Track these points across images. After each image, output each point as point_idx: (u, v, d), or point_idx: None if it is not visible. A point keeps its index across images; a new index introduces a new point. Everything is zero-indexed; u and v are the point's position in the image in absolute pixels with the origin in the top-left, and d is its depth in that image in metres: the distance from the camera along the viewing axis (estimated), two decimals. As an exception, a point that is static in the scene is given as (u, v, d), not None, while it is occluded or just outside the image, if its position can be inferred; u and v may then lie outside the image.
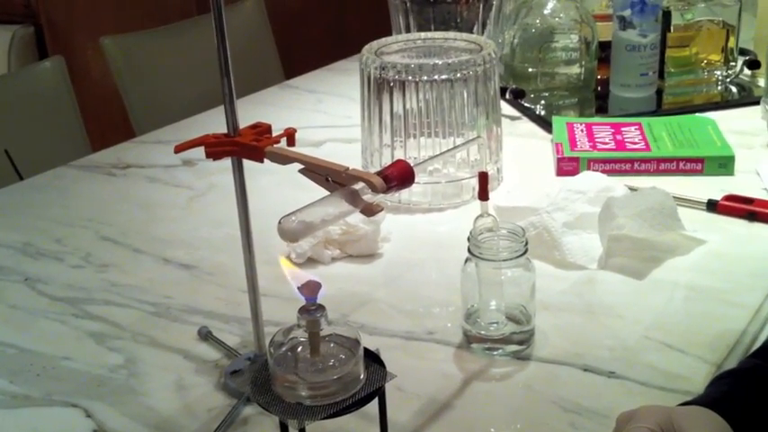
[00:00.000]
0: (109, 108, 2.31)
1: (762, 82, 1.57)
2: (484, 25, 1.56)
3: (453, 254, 0.93)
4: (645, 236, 1.05)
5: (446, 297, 0.98)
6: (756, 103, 1.47)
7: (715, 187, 1.18)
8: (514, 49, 1.61)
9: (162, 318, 0.99)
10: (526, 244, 0.85)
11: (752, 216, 1.11)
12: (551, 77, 1.60)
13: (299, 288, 0.67)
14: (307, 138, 1.47)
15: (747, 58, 1.62)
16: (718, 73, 1.61)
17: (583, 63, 1.59)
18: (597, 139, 1.32)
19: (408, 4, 1.53)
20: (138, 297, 1.03)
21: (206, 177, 1.35)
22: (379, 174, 0.70)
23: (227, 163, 0.80)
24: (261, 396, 0.68)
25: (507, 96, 1.57)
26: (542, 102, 1.58)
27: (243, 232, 0.81)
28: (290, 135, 0.77)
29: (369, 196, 0.71)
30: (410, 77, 1.17)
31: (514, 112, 1.54)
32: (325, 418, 0.65)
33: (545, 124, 1.46)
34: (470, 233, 0.86)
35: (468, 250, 0.86)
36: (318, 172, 0.71)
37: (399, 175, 0.71)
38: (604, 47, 1.59)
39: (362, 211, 0.70)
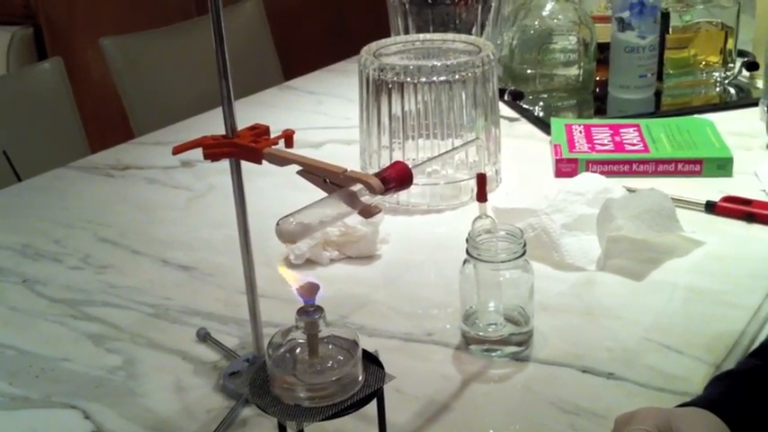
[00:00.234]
0: (108, 109, 2.31)
1: (760, 83, 1.57)
2: (482, 27, 1.56)
3: (452, 255, 0.93)
4: (643, 237, 1.05)
5: (445, 298, 0.98)
6: (755, 104, 1.47)
7: (713, 189, 1.18)
8: (513, 50, 1.61)
9: (161, 319, 0.99)
10: (524, 245, 0.85)
11: (750, 217, 1.11)
12: (550, 79, 1.60)
13: (297, 290, 0.67)
14: (306, 139, 1.47)
15: (746, 59, 1.62)
16: (717, 74, 1.61)
17: (581, 64, 1.59)
18: (596, 141, 1.32)
19: (407, 6, 1.53)
20: (136, 298, 1.03)
21: (205, 179, 1.35)
22: (377, 175, 0.70)
23: (225, 164, 0.80)
24: (259, 398, 0.68)
25: (506, 98, 1.57)
26: (541, 103, 1.58)
27: (241, 233, 0.81)
28: (288, 136, 0.77)
29: (367, 198, 0.71)
30: (409, 79, 1.17)
31: (513, 114, 1.54)
32: (323, 420, 0.65)
33: (543, 126, 1.46)
34: (469, 235, 0.86)
35: (467, 252, 0.86)
36: (316, 173, 0.71)
37: (397, 177, 0.71)
38: (603, 48, 1.59)
39: (361, 213, 0.70)
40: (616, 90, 1.57)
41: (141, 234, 1.19)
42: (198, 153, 0.77)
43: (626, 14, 1.50)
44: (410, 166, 0.73)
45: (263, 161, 0.76)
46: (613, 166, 1.26)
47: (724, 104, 1.54)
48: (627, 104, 1.55)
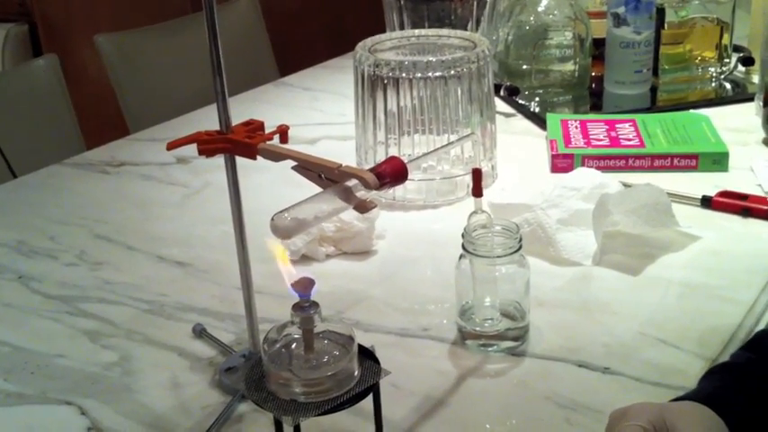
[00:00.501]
0: (104, 106, 2.31)
1: (756, 79, 1.57)
2: (478, 22, 1.56)
3: (448, 251, 0.93)
4: (639, 232, 1.05)
5: (441, 294, 0.98)
6: (750, 99, 1.47)
7: (709, 183, 1.18)
8: (509, 46, 1.61)
9: (156, 315, 0.98)
10: (520, 240, 0.85)
11: (746, 212, 1.11)
12: (546, 75, 1.60)
13: (292, 285, 0.66)
14: (301, 135, 1.47)
15: (741, 54, 1.63)
16: (713, 70, 1.61)
17: (577, 60, 1.59)
18: (591, 136, 1.32)
19: (402, 2, 1.53)
20: (132, 295, 1.03)
21: (200, 175, 1.34)
22: (372, 170, 0.70)
23: (221, 160, 0.80)
24: (255, 393, 0.67)
25: (502, 93, 1.57)
26: (537, 99, 1.58)
27: (236, 229, 0.81)
28: (282, 132, 0.76)
29: (362, 193, 0.71)
30: (404, 75, 1.17)
31: (509, 110, 1.54)
32: (319, 415, 0.65)
33: (539, 121, 1.46)
34: (464, 230, 0.86)
35: (463, 247, 0.86)
36: (311, 169, 0.71)
37: (392, 172, 0.71)
38: (599, 44, 1.59)
39: (356, 208, 0.70)
40: (612, 85, 1.57)
41: (137, 230, 1.19)
42: (193, 149, 0.77)
43: (621, 10, 1.50)
44: (405, 162, 0.72)
45: (258, 157, 0.75)
46: (609, 162, 1.26)
47: (720, 100, 1.54)
48: (622, 100, 1.55)
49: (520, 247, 0.85)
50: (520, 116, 1.52)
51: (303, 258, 1.07)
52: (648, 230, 1.05)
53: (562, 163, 1.27)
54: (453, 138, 1.19)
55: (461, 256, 0.87)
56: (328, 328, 0.69)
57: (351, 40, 1.27)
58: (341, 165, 0.71)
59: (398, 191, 1.21)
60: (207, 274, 1.07)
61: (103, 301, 1.02)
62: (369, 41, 1.25)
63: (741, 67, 1.62)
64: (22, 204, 1.31)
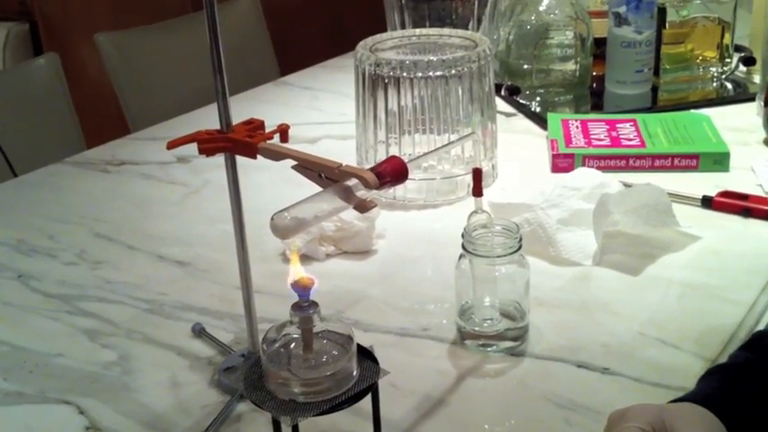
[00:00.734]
0: (105, 105, 2.31)
1: (757, 78, 1.57)
2: (479, 22, 1.56)
3: (448, 250, 0.93)
4: (640, 232, 1.05)
5: (441, 294, 0.97)
6: (752, 99, 1.47)
7: (710, 183, 1.18)
8: (510, 45, 1.60)
9: (156, 315, 0.98)
10: (520, 240, 0.85)
11: (747, 212, 1.11)
12: (546, 74, 1.60)
13: (291, 284, 0.66)
14: (302, 135, 1.47)
15: (743, 54, 1.62)
16: (714, 70, 1.61)
17: (578, 60, 1.59)
18: (592, 136, 1.32)
19: (403, 1, 1.52)
20: (131, 294, 1.03)
21: (201, 174, 1.34)
22: (372, 170, 0.70)
23: (221, 160, 0.80)
24: (254, 393, 0.67)
25: (502, 93, 1.57)
26: (537, 98, 1.58)
27: (236, 229, 0.81)
28: (283, 131, 0.76)
29: (362, 192, 0.71)
30: (405, 74, 1.17)
31: (510, 109, 1.54)
32: (317, 415, 0.65)
33: (540, 121, 1.46)
34: (464, 229, 0.86)
35: (463, 247, 0.86)
36: (312, 168, 0.71)
37: (392, 172, 0.70)
38: (600, 43, 1.59)
39: (356, 208, 0.70)
40: (613, 85, 1.57)
41: (136, 229, 1.19)
42: (194, 148, 0.77)
43: (622, 9, 1.49)
44: (405, 161, 0.72)
45: (258, 156, 0.75)
46: (610, 162, 1.26)
47: (721, 100, 1.54)
48: (623, 100, 1.55)
49: (520, 247, 0.85)
50: (521, 116, 1.52)
51: (303, 258, 1.06)
52: (649, 230, 1.05)
53: (563, 163, 1.27)
54: (454, 137, 1.19)
55: (461, 256, 0.87)
56: (327, 327, 0.68)
57: (351, 40, 1.27)
58: (341, 164, 0.71)
59: (399, 190, 1.20)
60: (206, 274, 1.07)
61: (103, 301, 1.02)
62: (370, 41, 1.25)
63: (742, 67, 1.61)
64: (21, 203, 1.31)
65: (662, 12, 1.53)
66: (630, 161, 1.26)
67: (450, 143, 0.93)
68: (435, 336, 0.91)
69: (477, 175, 0.84)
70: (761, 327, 0.90)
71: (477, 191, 0.85)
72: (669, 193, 1.08)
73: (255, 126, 0.77)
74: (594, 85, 1.62)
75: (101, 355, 0.91)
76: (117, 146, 1.52)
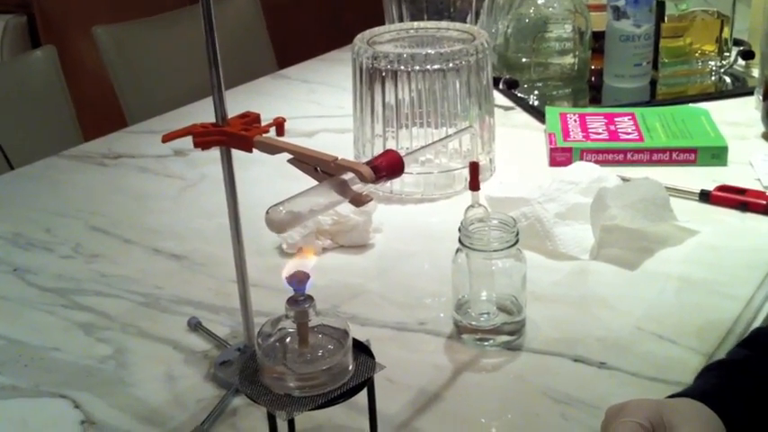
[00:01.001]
0: (103, 98, 2.30)
1: (756, 72, 1.56)
2: (477, 15, 1.55)
3: (445, 244, 0.93)
4: (637, 226, 1.05)
5: (438, 288, 0.97)
6: (750, 93, 1.46)
7: (708, 178, 1.18)
8: (508, 39, 1.60)
9: (152, 308, 0.98)
10: (517, 234, 0.85)
11: (744, 207, 1.11)
12: (545, 68, 1.60)
13: (287, 278, 0.66)
14: (299, 128, 1.46)
15: (741, 48, 1.62)
16: (713, 63, 1.60)
17: (576, 53, 1.58)
18: (590, 130, 1.32)
19: (402, -6, 1.52)
20: (127, 288, 1.02)
21: (197, 168, 1.34)
22: (368, 164, 0.70)
23: (218, 153, 0.79)
24: (249, 387, 0.67)
25: (500, 87, 1.56)
26: (536, 92, 1.58)
27: (232, 222, 0.80)
28: (279, 124, 0.76)
29: (358, 186, 0.70)
30: (402, 67, 1.16)
31: (508, 103, 1.54)
32: (313, 409, 0.65)
33: (538, 115, 1.46)
34: (461, 223, 0.86)
35: (459, 241, 0.86)
36: (307, 162, 0.71)
37: (389, 166, 0.70)
38: (598, 37, 1.58)
39: (351, 201, 0.69)
40: (611, 79, 1.56)
41: (133, 223, 1.19)
42: (190, 141, 0.77)
43: (621, 3, 1.49)
44: (401, 155, 0.72)
45: (254, 149, 0.75)
46: (608, 155, 1.26)
47: (719, 93, 1.54)
48: (622, 93, 1.54)
49: (517, 241, 0.85)
50: (519, 109, 1.51)
51: (299, 252, 1.06)
52: (646, 225, 1.04)
53: (560, 156, 1.27)
54: (451, 131, 1.19)
55: (458, 250, 0.87)
56: (323, 322, 0.68)
57: (350, 33, 1.27)
58: (337, 158, 0.70)
59: (396, 184, 1.20)
60: (203, 267, 1.06)
61: (99, 294, 1.01)
62: (367, 34, 1.25)
63: (741, 61, 1.61)
64: (18, 196, 1.30)
65: (661, 5, 1.53)
66: (628, 155, 1.26)
67: (446, 137, 0.93)
68: (432, 330, 0.91)
69: (474, 169, 0.84)
70: (758, 321, 0.90)
71: (474, 185, 0.84)
72: (667, 188, 1.08)
73: (251, 119, 0.76)
74: (593, 78, 1.62)
75: (96, 349, 0.91)
76: (114, 139, 1.51)
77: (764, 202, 1.10)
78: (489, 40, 1.21)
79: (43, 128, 1.74)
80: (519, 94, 1.56)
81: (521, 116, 1.49)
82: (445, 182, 1.21)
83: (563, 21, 1.57)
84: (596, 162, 1.20)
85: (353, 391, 0.67)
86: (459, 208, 0.88)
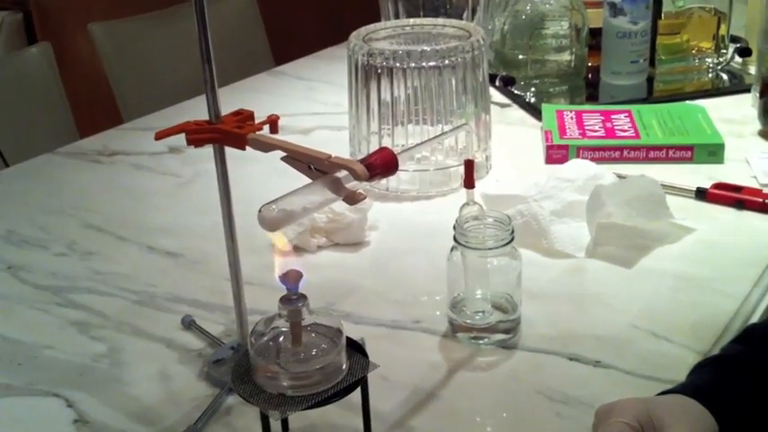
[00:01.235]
0: (100, 95, 2.29)
1: (752, 70, 1.56)
2: (473, 12, 1.55)
3: (441, 242, 0.92)
4: (633, 224, 1.04)
5: (433, 286, 0.97)
6: (747, 90, 1.46)
7: (704, 175, 1.18)
8: (505, 35, 1.59)
9: (146, 306, 0.98)
10: (512, 232, 0.85)
11: (740, 204, 1.11)
12: (542, 64, 1.59)
13: (280, 277, 0.66)
14: (295, 125, 1.46)
15: (738, 45, 1.62)
16: (710, 60, 1.60)
17: (573, 50, 1.58)
18: (587, 127, 1.32)
19: (398, -9, 1.52)
20: (122, 285, 1.02)
21: (193, 165, 1.33)
22: (362, 161, 0.69)
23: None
24: (242, 386, 0.67)
25: (497, 83, 1.56)
26: (533, 89, 1.57)
27: (225, 220, 0.80)
28: (272, 122, 0.75)
29: (353, 184, 0.70)
30: (398, 64, 1.16)
31: (504, 100, 1.53)
32: (306, 409, 0.65)
33: (535, 112, 1.45)
34: (456, 221, 0.85)
35: (454, 239, 0.85)
36: (301, 159, 0.70)
37: (383, 163, 0.70)
38: (595, 34, 1.58)
39: (345, 200, 0.69)
40: (608, 76, 1.56)
41: (128, 220, 1.18)
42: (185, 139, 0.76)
43: (618, 0, 1.49)
44: (395, 153, 0.72)
45: (247, 147, 0.75)
46: (604, 153, 1.25)
47: (716, 91, 1.53)
48: (619, 90, 1.54)
49: (512, 239, 0.85)
50: (515, 106, 1.51)
51: (295, 249, 1.06)
52: (642, 222, 1.04)
53: (557, 154, 1.26)
54: (447, 128, 1.18)
55: (453, 248, 0.87)
56: (316, 320, 0.68)
57: (347, 29, 1.26)
58: (330, 155, 0.70)
59: (392, 181, 1.20)
60: (197, 265, 1.06)
61: (93, 292, 1.01)
62: (363, 30, 1.24)
63: (738, 58, 1.61)
64: (12, 194, 1.30)
65: (657, 2, 1.52)
66: (625, 152, 1.25)
67: (441, 134, 0.93)
68: (427, 328, 0.91)
69: (469, 166, 0.83)
70: (755, 319, 0.90)
71: (469, 182, 0.84)
72: (663, 185, 1.08)
73: (245, 117, 0.76)
74: (590, 75, 1.61)
75: (90, 348, 0.91)
76: (109, 136, 1.51)
77: (761, 200, 1.10)
78: (485, 37, 1.21)
79: (39, 125, 1.74)
80: (515, 91, 1.55)
81: (517, 113, 1.48)
82: (441, 179, 1.20)
83: (560, 17, 1.56)
84: (593, 159, 1.20)
85: (347, 390, 0.66)
86: (455, 205, 0.88)
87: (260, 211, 0.64)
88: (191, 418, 0.78)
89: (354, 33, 1.23)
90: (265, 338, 0.67)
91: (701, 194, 1.13)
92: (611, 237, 1.03)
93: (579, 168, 1.12)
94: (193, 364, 0.87)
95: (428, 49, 1.16)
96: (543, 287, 0.96)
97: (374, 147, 1.20)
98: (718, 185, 1.13)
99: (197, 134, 0.75)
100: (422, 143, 0.86)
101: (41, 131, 1.73)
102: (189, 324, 0.93)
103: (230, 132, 0.74)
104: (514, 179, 1.19)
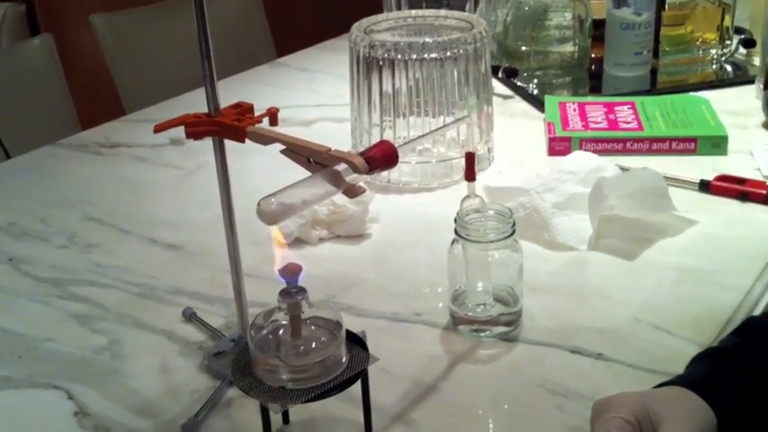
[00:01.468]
0: (102, 87, 2.29)
1: (757, 61, 1.55)
2: (476, 3, 1.54)
3: (443, 235, 0.92)
4: (636, 216, 1.04)
5: (435, 278, 0.96)
6: (751, 82, 1.45)
7: (708, 167, 1.17)
8: (507, 27, 1.59)
9: (147, 299, 0.98)
10: (513, 225, 0.84)
11: (744, 196, 1.10)
12: (545, 56, 1.58)
13: (279, 271, 0.66)
14: (297, 117, 1.45)
15: (743, 36, 1.61)
16: (714, 52, 1.59)
17: (576, 41, 1.57)
18: (590, 119, 1.31)
19: (400, -18, 1.51)
20: (123, 278, 1.02)
21: (195, 157, 1.33)
22: (361, 154, 0.69)
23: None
24: (242, 379, 0.67)
25: (500, 75, 1.55)
26: (535, 81, 1.57)
27: (225, 212, 0.80)
28: (272, 115, 0.75)
29: (353, 177, 0.70)
30: (399, 56, 1.15)
31: (507, 92, 1.53)
32: (305, 402, 0.65)
33: (538, 103, 1.45)
34: (457, 214, 0.85)
35: (455, 231, 0.85)
36: (300, 152, 0.70)
37: (382, 156, 0.69)
38: (598, 25, 1.57)
39: (345, 193, 0.69)
40: (611, 67, 1.55)
41: (129, 213, 1.18)
42: (186, 131, 0.76)
43: (621, -9, 1.48)
44: (395, 146, 0.71)
45: (247, 140, 0.74)
46: (607, 145, 1.25)
47: (720, 82, 1.53)
48: (622, 82, 1.53)
49: (513, 232, 0.84)
50: (518, 98, 1.50)
51: (296, 242, 1.05)
52: (645, 215, 1.04)
53: (559, 146, 1.26)
54: (449, 120, 1.18)
55: (454, 241, 0.86)
56: (316, 313, 0.68)
57: (350, 21, 1.25)
58: (330, 148, 0.69)
59: (394, 173, 1.19)
60: (198, 257, 1.06)
61: (94, 285, 1.01)
62: (365, 22, 1.24)
63: (742, 50, 1.60)
64: (14, 186, 1.30)
65: (661, -7, 1.51)
66: (628, 144, 1.25)
67: (442, 127, 0.92)
68: (428, 321, 0.90)
69: (470, 159, 0.83)
70: (757, 312, 0.89)
71: (470, 175, 0.84)
72: (666, 177, 1.07)
73: (244, 110, 0.75)
74: (593, 67, 1.60)
75: (91, 340, 0.91)
76: (111, 128, 1.50)
77: (764, 192, 1.09)
78: (488, 29, 1.20)
79: (40, 117, 1.73)
80: (518, 83, 1.55)
81: (520, 105, 1.48)
82: (443, 171, 1.20)
83: (563, 8, 1.55)
84: (595, 152, 1.19)
85: (347, 383, 0.66)
86: (457, 197, 0.87)
87: (258, 204, 0.64)
88: (191, 411, 0.78)
89: (356, 25, 1.23)
90: (265, 332, 0.67)
91: (705, 187, 1.12)
92: (613, 229, 1.03)
93: (582, 160, 1.12)
94: (194, 356, 0.87)
95: (430, 41, 1.16)
96: (545, 280, 0.96)
97: (376, 139, 1.20)
98: (722, 177, 1.13)
99: (196, 127, 0.74)
100: (422, 136, 0.85)
101: (43, 123, 1.73)
102: (190, 316, 0.92)
103: (229, 125, 0.74)
104: (516, 171, 1.19)
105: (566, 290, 0.94)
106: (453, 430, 0.76)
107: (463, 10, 1.50)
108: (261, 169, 1.16)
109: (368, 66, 1.18)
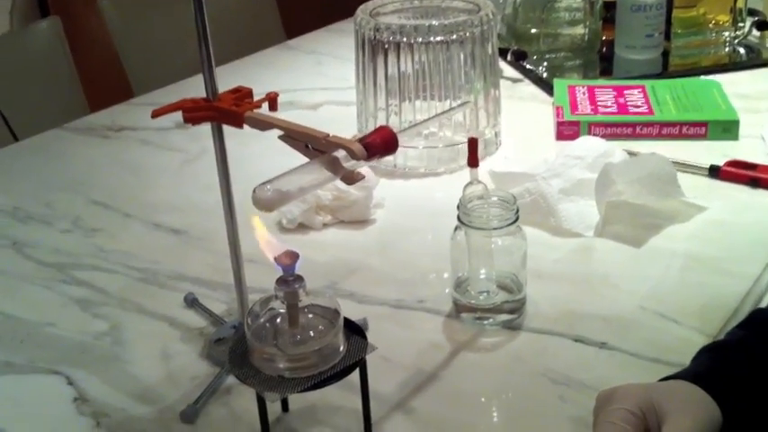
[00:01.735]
0: (111, 70, 2.28)
1: (771, 43, 1.53)
2: (484, -15, 1.52)
3: (448, 220, 0.91)
4: (643, 202, 1.02)
5: (439, 265, 0.95)
6: (764, 65, 1.43)
7: (718, 152, 1.15)
8: (517, 9, 1.57)
9: (149, 284, 0.97)
10: (517, 212, 0.83)
11: (755, 183, 1.08)
12: (554, 38, 1.56)
13: (275, 259, 0.65)
14: (304, 100, 1.44)
15: (756, 18, 1.58)
16: (727, 34, 1.57)
17: (587, 24, 1.55)
18: (599, 103, 1.29)
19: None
20: (125, 262, 1.01)
21: (199, 141, 1.32)
22: (360, 141, 0.68)
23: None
24: (239, 368, 0.66)
25: (509, 58, 1.54)
26: (545, 63, 1.55)
27: (224, 197, 0.79)
28: (271, 100, 0.74)
29: (352, 163, 0.69)
30: (405, 39, 1.14)
31: (516, 74, 1.51)
32: (303, 391, 0.64)
33: (547, 87, 1.43)
34: (460, 201, 0.84)
35: (458, 218, 0.84)
36: (298, 138, 0.69)
37: (381, 143, 0.68)
38: (609, 7, 1.55)
39: (343, 179, 0.68)
40: (622, 50, 1.53)
41: (133, 197, 1.18)
42: (188, 115, 0.75)
43: (633, -28, 1.46)
44: (395, 132, 0.70)
45: (245, 125, 0.73)
46: (616, 129, 1.23)
47: (733, 65, 1.50)
48: (633, 65, 1.51)
49: (516, 219, 0.83)
50: (527, 81, 1.48)
51: (300, 227, 1.05)
52: (653, 201, 1.02)
53: (568, 130, 1.24)
54: (456, 104, 1.16)
55: (457, 228, 0.85)
56: (314, 301, 0.67)
57: (359, 2, 1.24)
58: (328, 134, 0.68)
59: (399, 158, 1.18)
60: (201, 242, 1.05)
61: (97, 269, 1.01)
62: (370, 4, 1.22)
63: (756, 32, 1.57)
64: (19, 169, 1.30)
65: (674, -26, 1.49)
66: (637, 129, 1.23)
67: (443, 112, 0.91)
68: (431, 308, 0.90)
69: (473, 145, 0.82)
70: (765, 301, 0.88)
71: (473, 161, 0.83)
72: (676, 163, 1.06)
73: (243, 94, 0.74)
74: (604, 49, 1.58)
75: (92, 325, 0.90)
76: (118, 111, 1.50)
77: (775, 178, 1.07)
78: (495, 11, 1.19)
79: (48, 100, 1.73)
80: (527, 66, 1.53)
81: (529, 88, 1.46)
82: (449, 156, 1.19)
83: (573, -10, 1.53)
84: (604, 136, 1.18)
85: (344, 372, 0.66)
86: (463, 183, 0.86)
87: (254, 191, 0.63)
88: (191, 397, 0.78)
89: (361, 7, 1.21)
90: (262, 320, 0.67)
91: (715, 172, 1.10)
92: (620, 215, 1.01)
93: (589, 145, 1.10)
94: (195, 342, 0.86)
95: (436, 24, 1.14)
96: (550, 267, 0.94)
97: (382, 122, 1.19)
98: (732, 163, 1.11)
99: (193, 112, 0.74)
100: (424, 121, 0.84)
101: (51, 106, 1.72)
102: (191, 302, 0.92)
103: (227, 110, 0.73)
104: (524, 156, 1.18)
105: (571, 277, 0.93)
106: (453, 419, 0.75)
107: (472, -8, 1.48)
108: (264, 154, 1.15)
109: (373, 49, 1.17)
